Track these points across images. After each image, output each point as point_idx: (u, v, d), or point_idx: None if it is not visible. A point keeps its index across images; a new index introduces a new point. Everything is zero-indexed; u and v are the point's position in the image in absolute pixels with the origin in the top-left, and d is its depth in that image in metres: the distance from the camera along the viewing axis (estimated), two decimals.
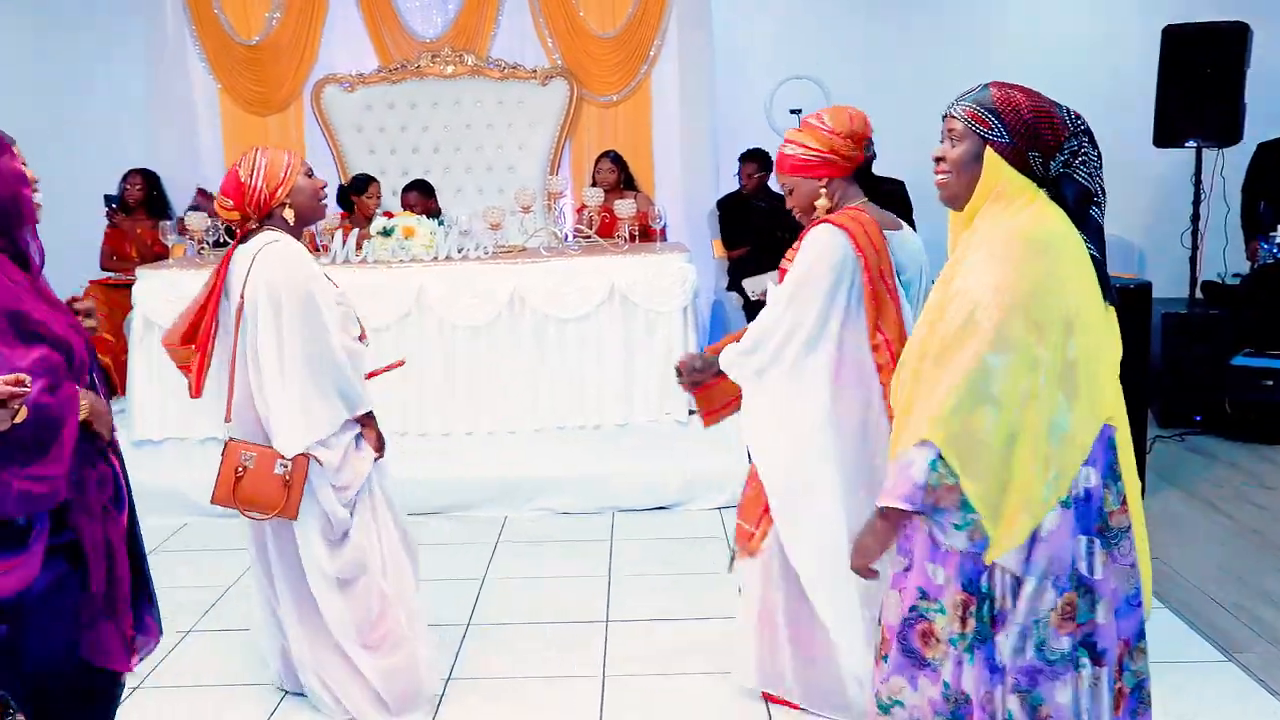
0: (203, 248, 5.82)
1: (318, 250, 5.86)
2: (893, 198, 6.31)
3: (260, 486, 3.04)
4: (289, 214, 3.12)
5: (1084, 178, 2.17)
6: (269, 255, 3.05)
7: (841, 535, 2.90)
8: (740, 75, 7.58)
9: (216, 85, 7.59)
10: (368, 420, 3.19)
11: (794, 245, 3.10)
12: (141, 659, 2.40)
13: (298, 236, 3.17)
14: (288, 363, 3.03)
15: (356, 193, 6.69)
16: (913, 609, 2.22)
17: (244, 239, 3.13)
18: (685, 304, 5.49)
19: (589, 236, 5.86)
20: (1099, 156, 2.20)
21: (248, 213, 3.11)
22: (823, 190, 3.06)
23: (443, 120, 7.55)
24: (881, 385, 2.96)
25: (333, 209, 6.48)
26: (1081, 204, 2.17)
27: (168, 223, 6.55)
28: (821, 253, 2.96)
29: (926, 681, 2.22)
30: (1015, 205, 2.15)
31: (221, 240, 5.79)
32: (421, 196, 6.78)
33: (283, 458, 3.04)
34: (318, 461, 3.07)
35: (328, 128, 7.53)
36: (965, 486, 2.06)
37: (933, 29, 7.59)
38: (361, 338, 3.25)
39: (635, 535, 4.91)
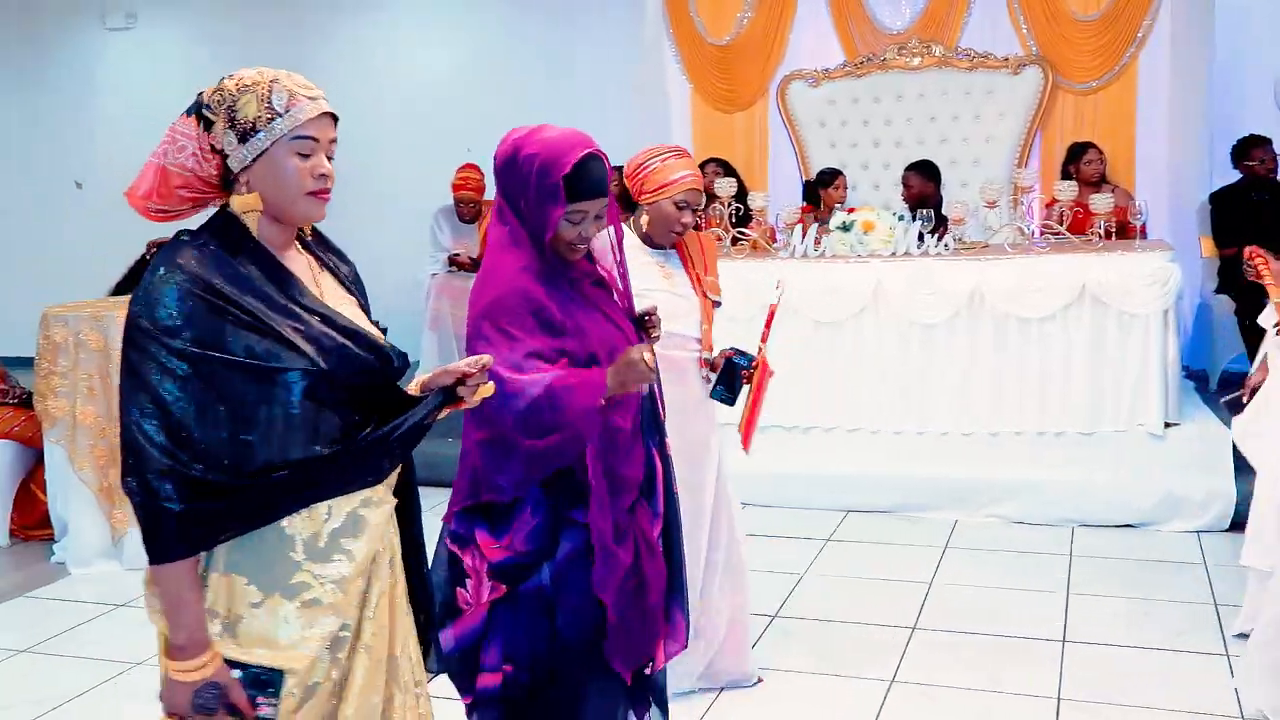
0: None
1: (775, 243, 5.97)
2: None
3: None
4: (644, 220, 3.23)
5: None
6: None
7: None
8: (1242, 54, 6.81)
9: (689, 85, 7.94)
10: None
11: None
12: (667, 659, 2.46)
13: (650, 242, 3.25)
14: None
15: (823, 185, 6.75)
16: None
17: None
18: (1166, 307, 5.04)
19: (1059, 233, 5.53)
20: None
21: (629, 186, 3.29)
22: None
23: (906, 113, 7.43)
24: None
25: (795, 203, 6.57)
26: None
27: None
28: None
29: None
30: None
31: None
32: (921, 178, 6.66)
33: None
34: None
35: (791, 123, 7.64)
36: None
37: None
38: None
39: (1097, 553, 4.58)
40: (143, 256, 5.76)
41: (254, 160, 1.73)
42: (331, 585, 1.73)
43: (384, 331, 1.96)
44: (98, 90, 9.90)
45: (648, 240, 3.25)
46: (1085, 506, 4.90)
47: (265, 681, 1.70)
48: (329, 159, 1.78)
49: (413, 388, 1.91)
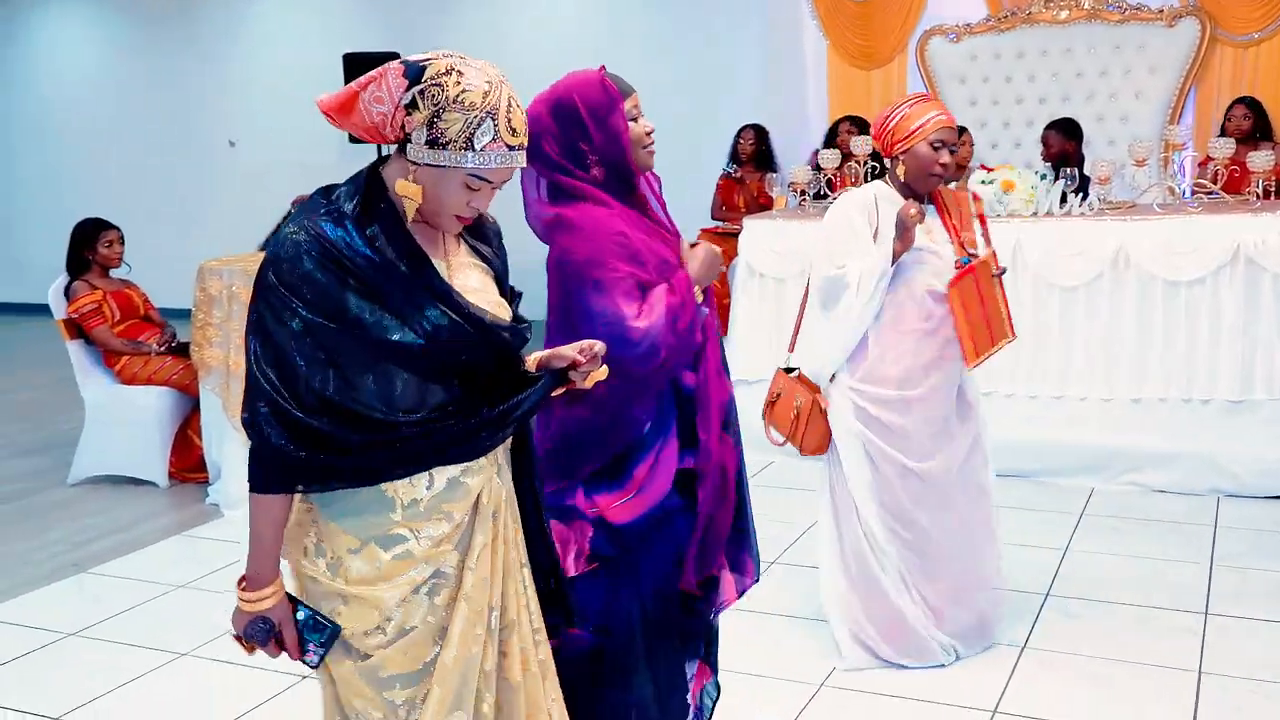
0: (804, 199, 6.06)
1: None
2: None
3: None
4: (900, 170, 3.20)
5: None
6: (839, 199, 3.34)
7: None
8: None
9: (825, 42, 7.82)
10: None
11: None
12: (740, 595, 2.50)
13: (910, 192, 3.21)
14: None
15: None
16: None
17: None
18: None
19: (1212, 192, 5.30)
20: None
21: (877, 147, 3.31)
22: None
23: (1051, 69, 7.19)
24: None
25: None
26: None
27: (774, 175, 6.90)
28: None
29: None
30: None
31: (822, 193, 5.98)
32: (1060, 136, 6.48)
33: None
34: None
35: (930, 80, 7.48)
36: None
37: None
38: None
39: (1244, 524, 4.42)
40: (289, 212, 5.98)
41: (429, 165, 1.72)
42: (426, 540, 1.80)
43: (519, 296, 1.97)
44: (248, 54, 10.26)
45: (907, 191, 3.23)
46: (1232, 476, 4.74)
47: (321, 628, 1.79)
48: (500, 185, 1.79)
49: (530, 363, 1.93)
